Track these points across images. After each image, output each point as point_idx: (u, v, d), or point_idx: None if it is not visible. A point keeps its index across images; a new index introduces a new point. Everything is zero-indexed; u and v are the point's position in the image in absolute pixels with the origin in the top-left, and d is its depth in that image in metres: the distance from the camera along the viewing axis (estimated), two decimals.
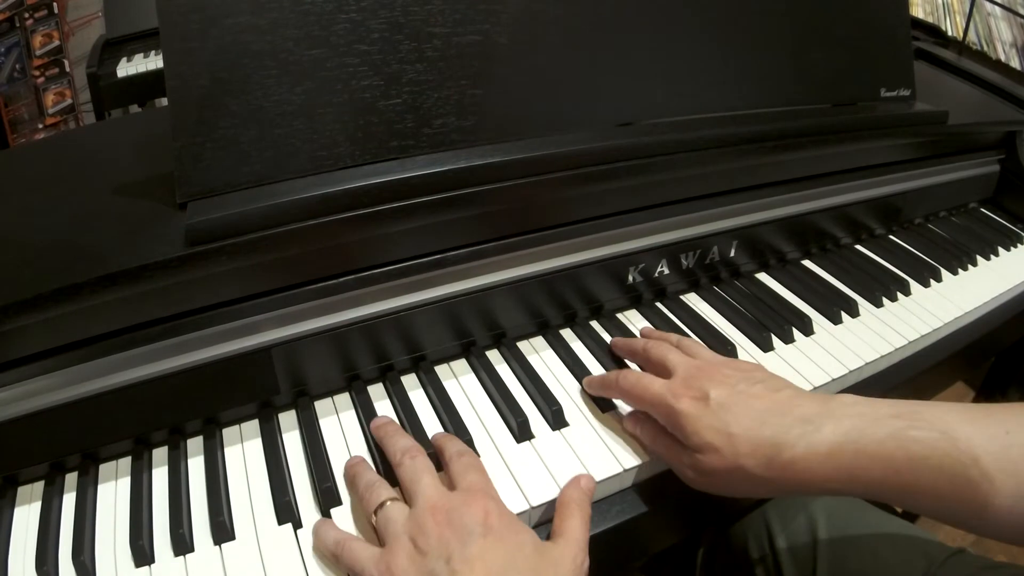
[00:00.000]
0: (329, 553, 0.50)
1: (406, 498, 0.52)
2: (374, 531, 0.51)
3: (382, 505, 0.51)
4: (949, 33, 1.88)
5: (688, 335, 0.72)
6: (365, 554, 0.48)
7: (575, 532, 0.50)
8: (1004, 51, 1.86)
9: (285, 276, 0.58)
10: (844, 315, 0.77)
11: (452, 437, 0.58)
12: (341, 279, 0.60)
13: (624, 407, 0.64)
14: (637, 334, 0.72)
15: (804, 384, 0.68)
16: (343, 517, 0.54)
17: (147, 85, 1.71)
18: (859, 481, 0.50)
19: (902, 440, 0.49)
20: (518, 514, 0.54)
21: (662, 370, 0.60)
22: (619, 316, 0.75)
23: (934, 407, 0.51)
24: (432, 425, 0.62)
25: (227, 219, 0.54)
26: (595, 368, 0.68)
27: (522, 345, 0.71)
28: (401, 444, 0.55)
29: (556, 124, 0.66)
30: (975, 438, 0.48)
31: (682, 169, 0.71)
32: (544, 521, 0.56)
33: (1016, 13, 1.80)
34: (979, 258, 0.93)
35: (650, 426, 0.59)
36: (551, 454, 0.59)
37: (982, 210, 1.06)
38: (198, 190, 0.56)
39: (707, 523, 0.78)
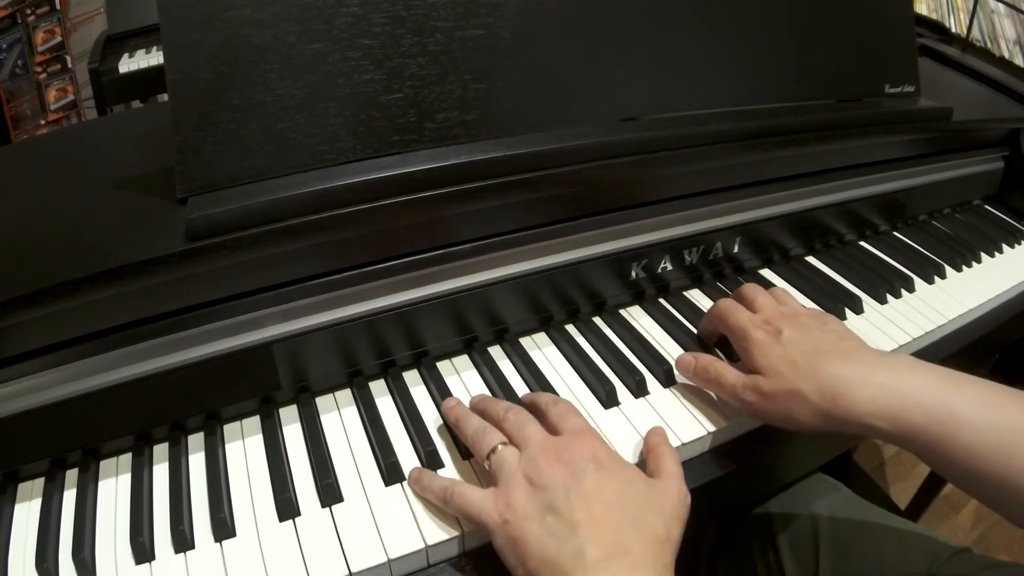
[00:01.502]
0: (437, 499, 0.53)
1: (513, 442, 0.54)
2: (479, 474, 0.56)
3: (494, 449, 0.53)
4: (953, 30, 1.88)
5: (692, 331, 0.72)
6: (479, 494, 0.51)
7: (673, 468, 0.54)
8: (1008, 48, 1.85)
9: (286, 271, 0.58)
10: (848, 312, 0.77)
11: (540, 392, 0.61)
12: (343, 274, 0.60)
13: (628, 407, 0.63)
14: (639, 330, 0.72)
15: None
16: (345, 514, 0.54)
17: (149, 81, 1.71)
18: (901, 423, 0.52)
19: (950, 396, 0.52)
20: None
21: (750, 306, 0.65)
22: (622, 312, 0.75)
23: (984, 381, 0.54)
24: (435, 421, 0.62)
25: (228, 214, 0.54)
26: (598, 364, 0.68)
27: (525, 341, 0.70)
28: (501, 404, 0.58)
29: (559, 119, 0.66)
30: (1018, 411, 0.50)
31: (686, 164, 0.71)
32: None
33: (1020, 10, 1.80)
34: (983, 255, 0.92)
35: (712, 361, 0.63)
36: None
37: (986, 207, 1.06)
38: (199, 185, 0.56)
39: (710, 520, 0.78)
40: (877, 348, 0.59)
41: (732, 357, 0.67)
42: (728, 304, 0.65)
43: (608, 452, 0.52)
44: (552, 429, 0.55)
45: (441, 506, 0.53)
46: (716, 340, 0.71)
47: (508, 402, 0.59)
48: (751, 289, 0.67)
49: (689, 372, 0.64)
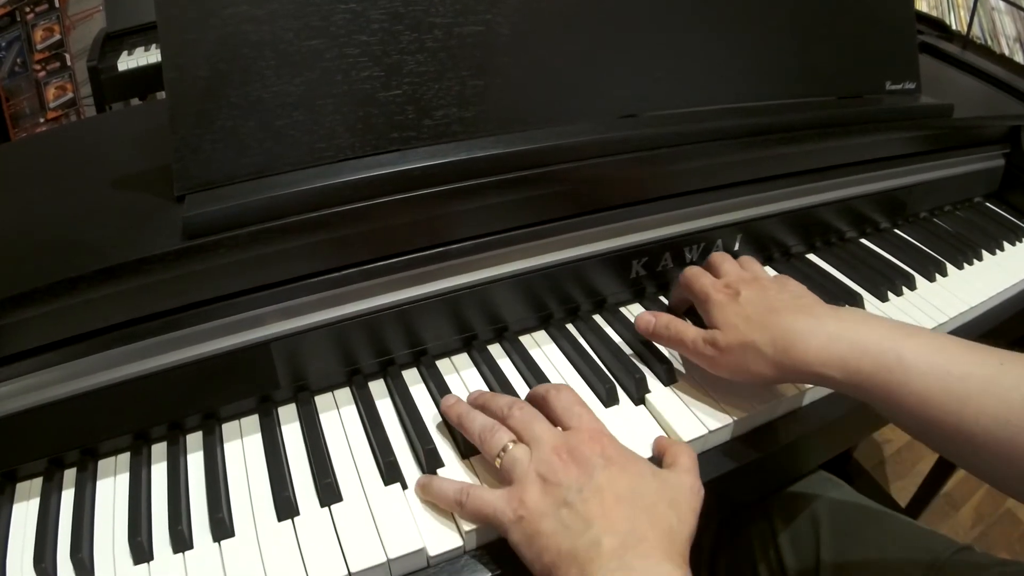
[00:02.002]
0: (449, 503, 0.53)
1: (522, 439, 0.54)
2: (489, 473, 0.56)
3: (504, 448, 0.53)
4: (953, 27, 1.87)
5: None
6: (493, 495, 0.51)
7: (687, 462, 0.55)
8: (1008, 46, 1.85)
9: (284, 269, 0.58)
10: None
11: (540, 385, 0.61)
12: (342, 272, 0.59)
13: (627, 406, 0.63)
14: None
15: None
16: (344, 513, 0.53)
17: (148, 78, 1.71)
18: (849, 370, 0.54)
19: (897, 344, 0.53)
20: None
21: (716, 271, 0.68)
22: (622, 310, 0.75)
23: (935, 333, 0.55)
24: (434, 419, 0.61)
25: (225, 212, 0.53)
26: (598, 362, 0.67)
27: (524, 339, 0.70)
28: (503, 399, 0.58)
29: (559, 116, 0.65)
30: (967, 357, 0.52)
31: (686, 161, 0.70)
32: None
33: (1020, 8, 1.79)
34: (985, 253, 0.92)
35: (671, 319, 0.65)
36: None
37: (987, 205, 1.06)
38: (196, 182, 0.55)
39: (711, 517, 0.78)
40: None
41: (701, 326, 0.67)
42: (693, 270, 0.68)
43: (617, 446, 0.53)
44: (558, 422, 0.56)
45: (454, 510, 0.53)
46: (686, 309, 0.73)
47: (509, 396, 0.59)
48: (718, 256, 0.70)
49: (649, 330, 0.66)
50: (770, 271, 0.82)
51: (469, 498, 0.52)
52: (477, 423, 0.56)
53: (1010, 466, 0.48)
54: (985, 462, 0.50)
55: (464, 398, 0.61)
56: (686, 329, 0.63)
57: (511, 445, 0.53)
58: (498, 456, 0.53)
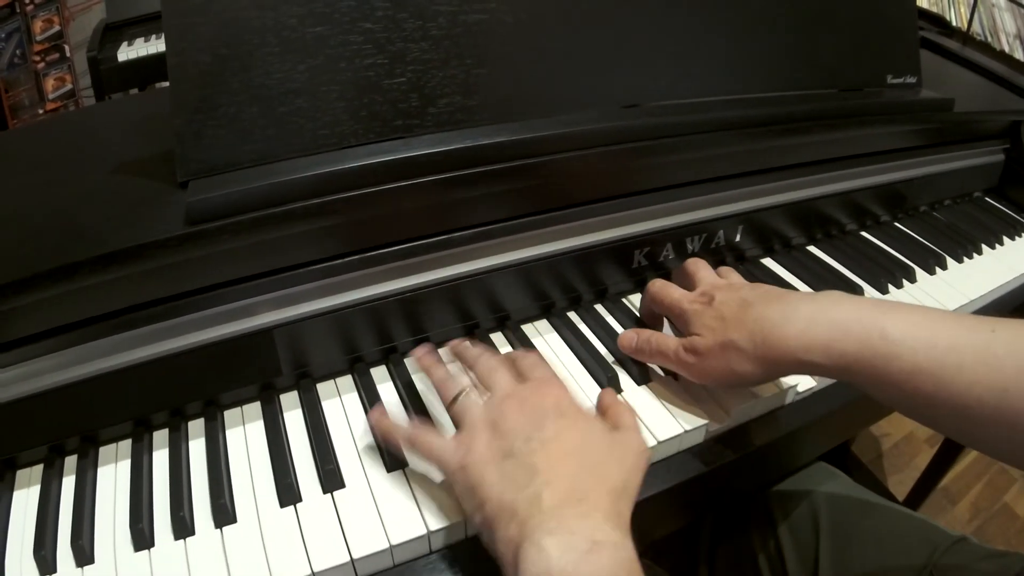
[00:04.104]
0: (402, 440, 0.54)
1: (480, 390, 0.55)
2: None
3: (461, 392, 0.54)
4: (953, 23, 1.88)
5: None
6: (441, 441, 0.52)
7: (631, 421, 0.54)
8: (1008, 42, 1.85)
9: (287, 256, 0.58)
10: None
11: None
12: (345, 259, 0.59)
13: (630, 394, 0.63)
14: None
15: None
16: (346, 500, 0.53)
17: (148, 69, 1.71)
18: (834, 353, 0.52)
19: (879, 320, 0.51)
20: None
21: (689, 282, 0.65)
22: (624, 300, 0.75)
23: (917, 306, 0.53)
24: (436, 406, 0.61)
25: (228, 198, 0.53)
26: (600, 350, 0.67)
27: (526, 328, 0.70)
28: (475, 350, 0.59)
29: (561, 104, 0.65)
30: (956, 329, 0.49)
31: (688, 152, 0.70)
32: None
33: (1020, 4, 1.80)
34: (984, 247, 0.92)
35: (652, 334, 0.63)
36: None
37: (987, 199, 1.06)
38: (199, 168, 0.55)
39: (709, 509, 0.78)
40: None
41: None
42: (659, 285, 0.66)
43: (571, 401, 0.53)
44: (520, 377, 0.56)
45: (405, 450, 0.54)
46: (658, 322, 0.71)
47: (483, 347, 0.59)
48: (693, 265, 0.67)
49: (632, 348, 0.64)
50: (775, 267, 0.82)
51: (417, 440, 0.52)
52: (440, 371, 0.57)
53: (1012, 436, 0.46)
54: (988, 433, 0.48)
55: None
56: (666, 340, 0.61)
57: (467, 390, 0.54)
58: (453, 401, 0.54)
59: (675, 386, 0.64)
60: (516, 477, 0.46)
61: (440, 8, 0.60)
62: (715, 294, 0.60)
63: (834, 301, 0.54)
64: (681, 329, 0.62)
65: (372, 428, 0.56)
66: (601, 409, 0.57)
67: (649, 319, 0.70)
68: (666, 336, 0.62)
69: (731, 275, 0.67)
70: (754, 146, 0.75)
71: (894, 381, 0.50)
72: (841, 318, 0.52)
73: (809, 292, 0.59)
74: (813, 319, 0.53)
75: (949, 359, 0.48)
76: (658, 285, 0.65)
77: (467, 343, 0.62)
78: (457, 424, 0.53)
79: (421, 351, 0.60)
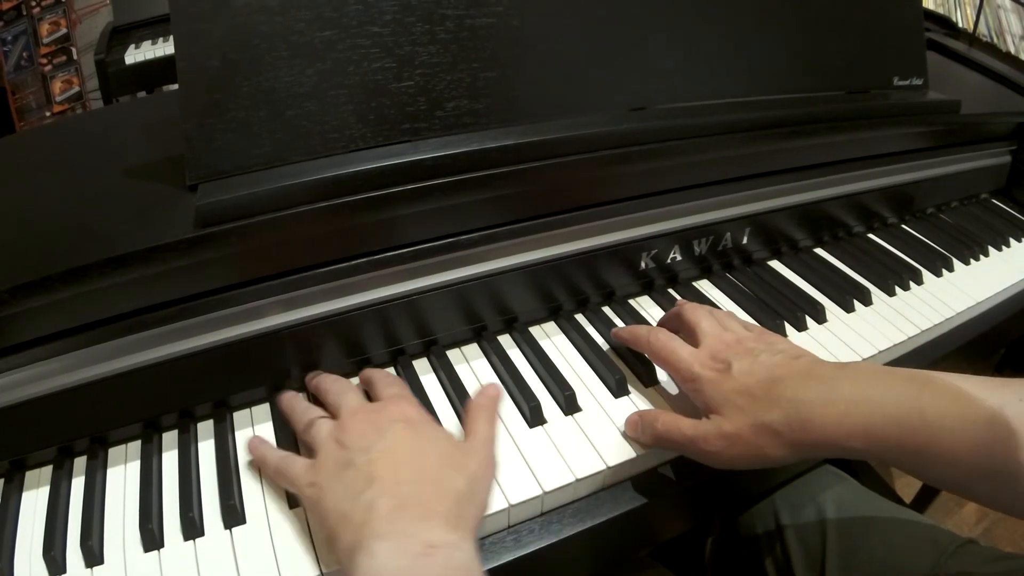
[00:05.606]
0: (273, 472, 0.54)
1: (333, 416, 0.55)
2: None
3: (312, 422, 0.54)
4: (959, 25, 1.87)
5: None
6: (298, 465, 0.52)
7: (484, 431, 0.53)
8: (1014, 44, 1.84)
9: (296, 259, 0.58)
10: (857, 303, 0.77)
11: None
12: (353, 262, 0.60)
13: (638, 396, 0.63)
14: (649, 320, 0.72)
15: None
16: None
17: (155, 72, 1.71)
18: (876, 440, 0.49)
19: (916, 402, 0.49)
20: (528, 500, 0.54)
21: (692, 334, 0.61)
22: (631, 302, 0.75)
23: (948, 375, 0.51)
24: (444, 408, 0.62)
25: (237, 201, 0.54)
26: (608, 353, 0.67)
27: (534, 330, 0.70)
28: (332, 378, 0.60)
29: (569, 107, 0.65)
30: (991, 400, 0.48)
31: (695, 154, 0.71)
32: (554, 508, 0.56)
33: None
34: (991, 249, 0.92)
35: (659, 415, 0.58)
36: (564, 439, 0.59)
37: (994, 201, 1.06)
38: (208, 172, 0.56)
39: (716, 512, 0.78)
40: (834, 359, 0.58)
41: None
42: (666, 338, 0.61)
43: (419, 413, 0.53)
44: (374, 398, 0.57)
45: (274, 480, 0.54)
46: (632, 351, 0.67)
47: (336, 377, 0.60)
48: (692, 312, 0.62)
49: (636, 432, 0.59)
50: (782, 270, 0.82)
51: (282, 468, 0.52)
52: (299, 404, 0.58)
53: None
54: None
55: (472, 390, 0.61)
56: (678, 423, 0.55)
57: (318, 420, 0.54)
58: (306, 429, 0.54)
59: (679, 389, 0.64)
60: (354, 486, 0.46)
61: (447, 12, 0.60)
62: (731, 360, 0.55)
63: (871, 378, 0.51)
64: (690, 395, 0.58)
65: (251, 453, 0.56)
66: (466, 408, 0.56)
67: (622, 344, 0.67)
68: (676, 417, 0.56)
69: (731, 322, 0.62)
70: (761, 148, 0.75)
71: (933, 463, 0.48)
72: (881, 399, 0.49)
73: (837, 364, 0.54)
74: (852, 401, 0.50)
75: (983, 438, 0.46)
76: (662, 340, 0.60)
77: (322, 375, 0.61)
78: (311, 452, 0.53)
79: (285, 396, 0.60)
